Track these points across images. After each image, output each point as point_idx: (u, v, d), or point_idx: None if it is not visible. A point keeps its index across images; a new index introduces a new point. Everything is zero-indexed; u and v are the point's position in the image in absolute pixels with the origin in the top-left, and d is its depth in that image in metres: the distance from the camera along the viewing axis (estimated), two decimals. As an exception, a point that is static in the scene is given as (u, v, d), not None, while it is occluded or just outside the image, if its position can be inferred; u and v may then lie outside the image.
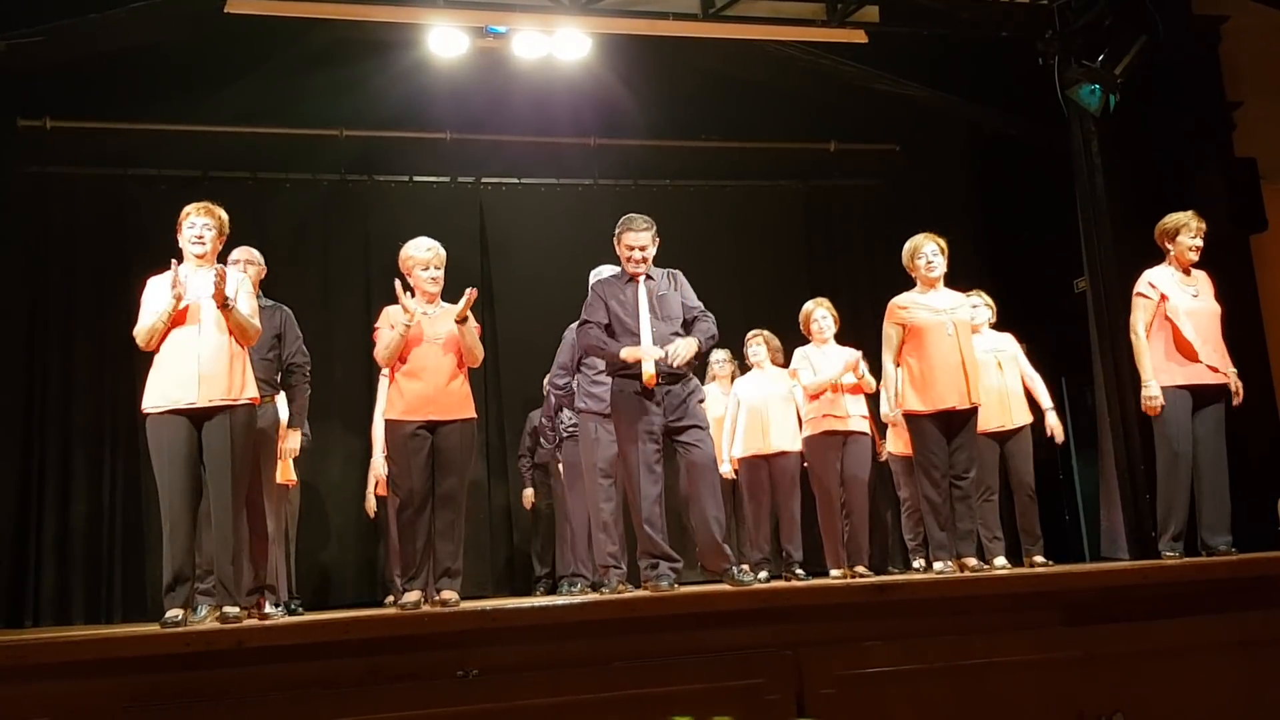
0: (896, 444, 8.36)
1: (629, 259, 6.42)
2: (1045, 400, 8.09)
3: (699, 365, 6.85)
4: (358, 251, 10.82)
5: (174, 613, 5.41)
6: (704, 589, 6.00)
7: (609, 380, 6.75)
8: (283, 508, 8.11)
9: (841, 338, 8.33)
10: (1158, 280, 6.87)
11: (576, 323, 7.23)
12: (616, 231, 6.48)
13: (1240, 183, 9.07)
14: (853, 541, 8.11)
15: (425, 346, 6.27)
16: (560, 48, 9.77)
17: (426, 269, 6.37)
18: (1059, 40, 8.86)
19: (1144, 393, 6.75)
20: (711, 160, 11.72)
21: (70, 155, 10.23)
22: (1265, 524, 7.89)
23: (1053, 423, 8.07)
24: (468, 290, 6.27)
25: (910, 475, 8.23)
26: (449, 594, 6.14)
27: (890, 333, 7.04)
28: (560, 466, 8.76)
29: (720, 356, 9.23)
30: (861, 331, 8.76)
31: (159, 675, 4.05)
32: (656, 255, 6.58)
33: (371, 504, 9.22)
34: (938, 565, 6.96)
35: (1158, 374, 6.75)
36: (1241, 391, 6.78)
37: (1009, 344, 8.12)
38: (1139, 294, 6.89)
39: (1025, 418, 7.96)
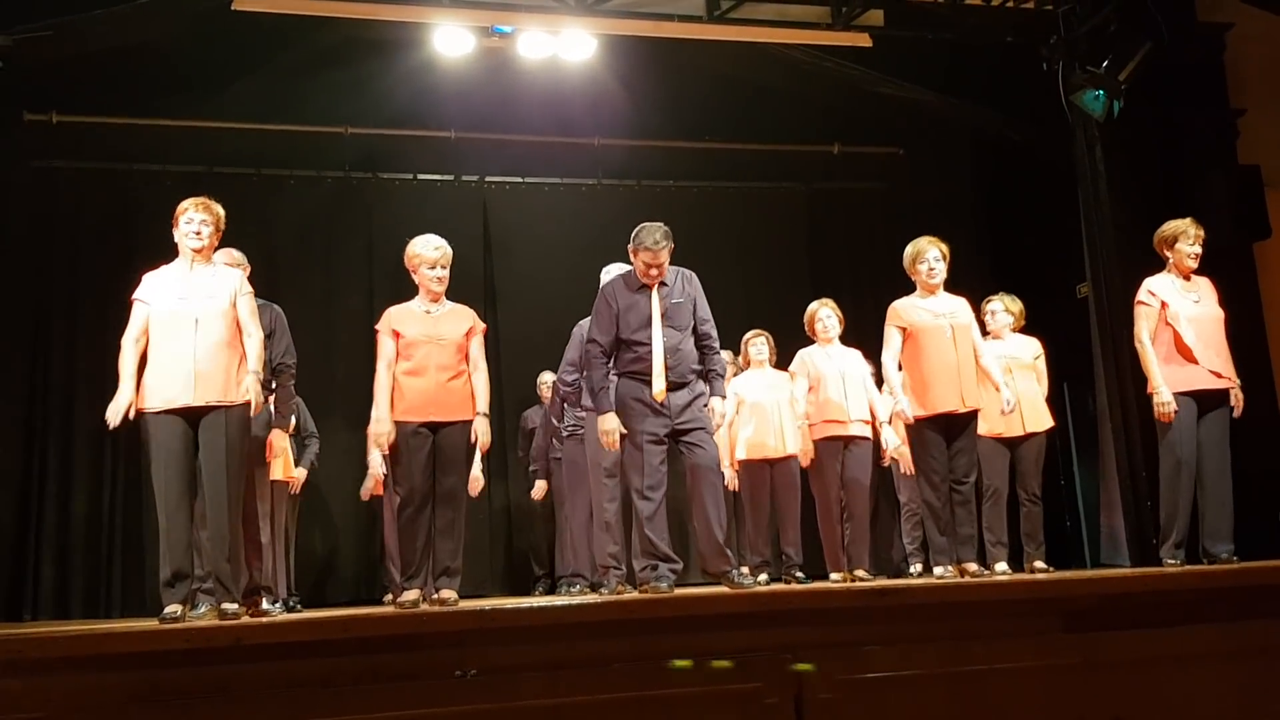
0: (897, 438, 8.32)
1: (645, 272, 6.37)
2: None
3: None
4: (361, 249, 10.83)
5: (173, 608, 5.42)
6: (703, 591, 5.99)
7: (615, 379, 6.79)
8: (282, 505, 8.12)
9: (843, 340, 8.31)
10: (1157, 288, 6.87)
11: (587, 319, 7.28)
12: (632, 243, 6.39)
13: (1243, 190, 9.09)
14: (853, 545, 8.08)
15: (428, 346, 6.25)
16: (565, 48, 9.79)
17: (434, 268, 6.34)
18: (1063, 45, 8.86)
19: (1155, 399, 6.73)
20: (715, 162, 11.72)
21: (75, 150, 10.24)
22: (1267, 532, 7.89)
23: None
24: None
25: (910, 480, 8.24)
26: (448, 593, 6.14)
27: (891, 335, 7.04)
28: (562, 465, 8.76)
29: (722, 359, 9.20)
30: (863, 334, 8.74)
31: (158, 671, 4.04)
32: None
33: (368, 487, 9.21)
34: (937, 570, 6.94)
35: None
36: (1242, 402, 6.78)
37: (1027, 350, 8.08)
38: (1139, 302, 6.90)
39: (1037, 425, 7.92)
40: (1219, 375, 6.74)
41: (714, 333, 6.53)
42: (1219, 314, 6.89)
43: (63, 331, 10.09)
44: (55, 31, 8.32)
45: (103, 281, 9.98)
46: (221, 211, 5.90)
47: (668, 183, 11.52)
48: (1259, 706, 4.75)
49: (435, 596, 6.20)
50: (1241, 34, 9.52)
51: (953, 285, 7.18)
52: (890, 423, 8.27)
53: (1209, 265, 7.01)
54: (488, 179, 11.36)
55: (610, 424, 6.29)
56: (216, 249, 6.01)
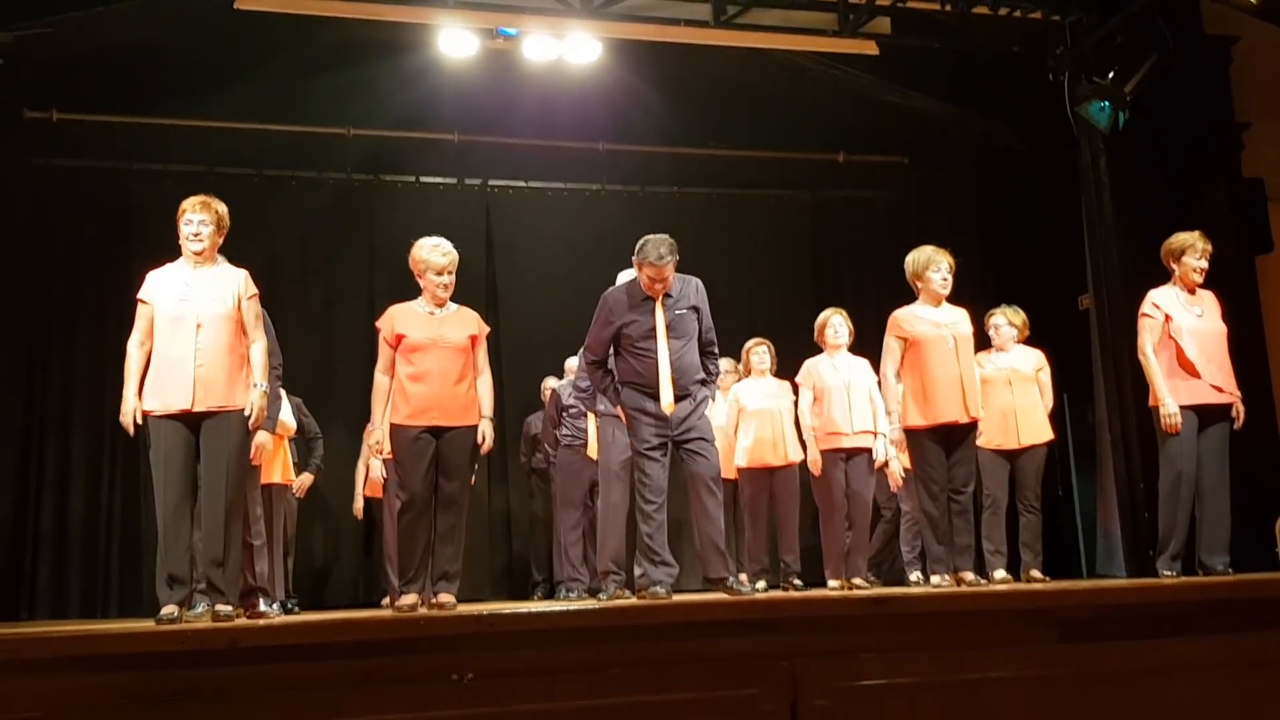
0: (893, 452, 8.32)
1: (649, 288, 6.35)
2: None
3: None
4: (362, 251, 10.83)
5: (169, 610, 5.41)
6: (701, 598, 5.99)
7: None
8: (281, 507, 8.13)
9: (850, 346, 8.31)
10: (1161, 301, 6.88)
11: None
12: (636, 256, 6.34)
13: (1247, 203, 9.08)
14: (853, 555, 8.10)
15: (432, 350, 6.23)
16: (570, 52, 9.79)
17: (440, 274, 6.31)
18: (1070, 56, 8.87)
19: (1161, 411, 6.73)
20: (720, 169, 11.73)
21: (76, 148, 10.25)
22: (1263, 545, 7.88)
23: None
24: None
25: (911, 490, 8.23)
26: (446, 597, 6.13)
27: (892, 345, 7.01)
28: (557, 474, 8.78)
29: (724, 365, 9.21)
30: (866, 342, 8.74)
31: (154, 672, 4.04)
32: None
33: (359, 505, 9.20)
34: (934, 579, 6.94)
35: None
36: (1243, 416, 6.78)
37: (1028, 362, 8.09)
38: (1143, 314, 6.90)
39: (1036, 437, 7.92)
40: (1220, 389, 6.75)
41: (715, 340, 6.54)
42: (1222, 328, 6.89)
43: (61, 330, 10.10)
44: (57, 29, 8.33)
45: (102, 280, 10.00)
46: (223, 209, 5.81)
47: (671, 189, 11.53)
48: (1254, 718, 4.75)
49: (434, 601, 6.19)
50: (1248, 47, 9.52)
51: (955, 295, 7.17)
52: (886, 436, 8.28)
53: (1210, 278, 7.01)
54: (491, 182, 11.36)
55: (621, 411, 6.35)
56: (221, 247, 5.93)
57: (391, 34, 9.81)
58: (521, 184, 11.43)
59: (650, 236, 6.35)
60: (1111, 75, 8.51)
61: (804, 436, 8.23)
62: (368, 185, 11.02)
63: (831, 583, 8.07)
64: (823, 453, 8.03)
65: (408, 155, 11.17)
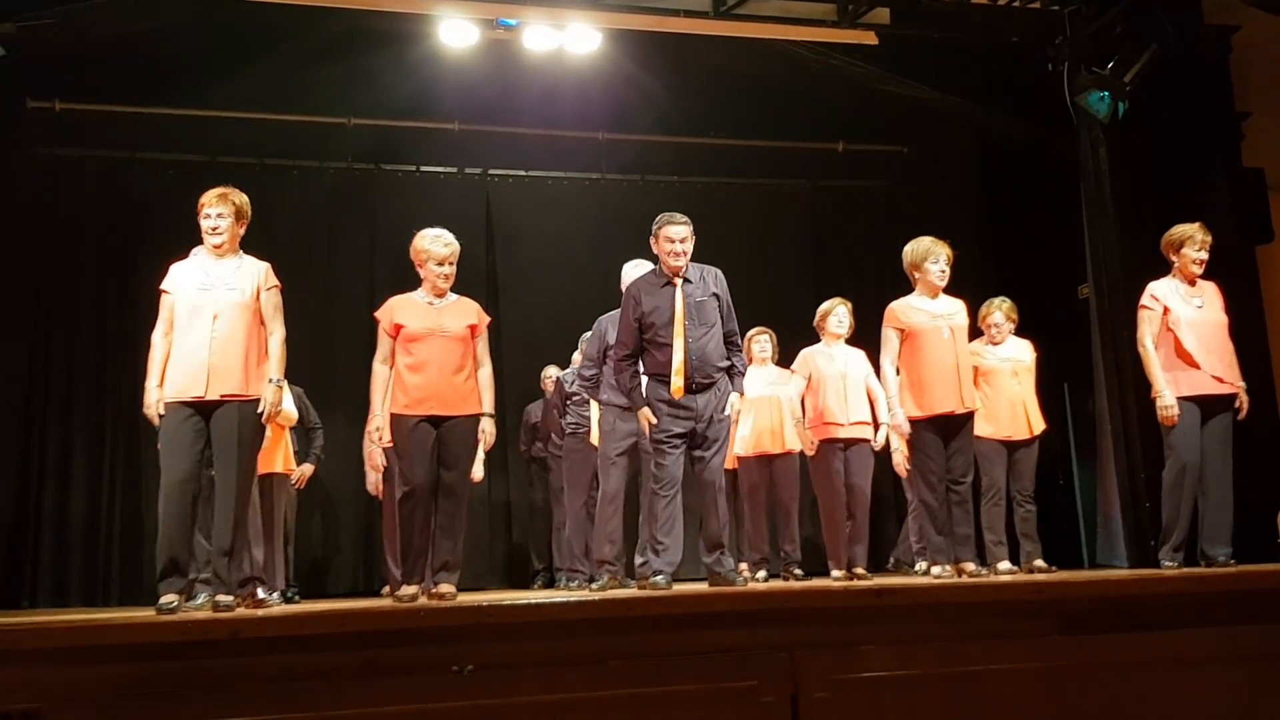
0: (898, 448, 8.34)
1: (670, 252, 6.38)
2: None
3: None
4: (363, 240, 10.82)
5: (168, 599, 5.42)
6: (701, 589, 6.00)
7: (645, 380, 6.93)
8: (282, 497, 8.13)
9: (849, 338, 8.31)
10: (1160, 292, 6.89)
11: (607, 315, 7.35)
12: (654, 229, 6.43)
13: (1247, 193, 9.06)
14: (853, 545, 8.09)
15: (432, 340, 6.23)
16: (570, 42, 9.79)
17: (442, 264, 6.32)
18: (1069, 46, 8.84)
19: (1159, 403, 6.76)
20: (719, 158, 11.72)
21: (79, 138, 10.23)
22: (1265, 537, 7.88)
23: None
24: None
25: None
26: (446, 587, 6.13)
27: (889, 336, 7.00)
28: (562, 461, 8.78)
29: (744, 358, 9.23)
30: (864, 333, 8.74)
31: (155, 662, 4.05)
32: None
33: (373, 481, 9.14)
34: (935, 570, 6.94)
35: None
36: (1246, 406, 6.78)
37: (1026, 352, 8.09)
38: (1142, 306, 6.92)
39: (1039, 427, 7.95)
40: (1221, 380, 6.75)
41: (738, 331, 6.56)
42: (1222, 319, 6.89)
43: (63, 319, 10.08)
44: (60, 19, 8.33)
45: (104, 269, 10.00)
46: (242, 200, 5.85)
47: (671, 178, 11.51)
48: (1255, 711, 4.75)
49: (434, 591, 6.19)
50: (1248, 37, 9.50)
51: (955, 284, 7.16)
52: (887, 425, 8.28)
53: (1211, 268, 7.00)
54: (491, 172, 11.35)
55: (643, 412, 6.33)
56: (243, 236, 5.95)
57: (392, 24, 9.80)
58: (522, 173, 11.41)
59: (661, 214, 6.46)
60: (1111, 65, 8.49)
61: (794, 422, 8.24)
62: (369, 174, 11.01)
63: (835, 573, 8.06)
64: (821, 443, 8.03)
65: (408, 145, 11.15)
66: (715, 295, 6.48)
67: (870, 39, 9.30)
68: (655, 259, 6.56)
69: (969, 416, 6.90)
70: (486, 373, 6.40)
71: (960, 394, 6.82)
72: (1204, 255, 6.90)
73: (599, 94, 10.61)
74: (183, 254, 5.94)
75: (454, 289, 6.45)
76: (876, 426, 8.11)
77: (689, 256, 6.44)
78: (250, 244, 6.62)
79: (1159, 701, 4.66)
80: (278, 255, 9.49)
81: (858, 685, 4.46)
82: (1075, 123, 8.92)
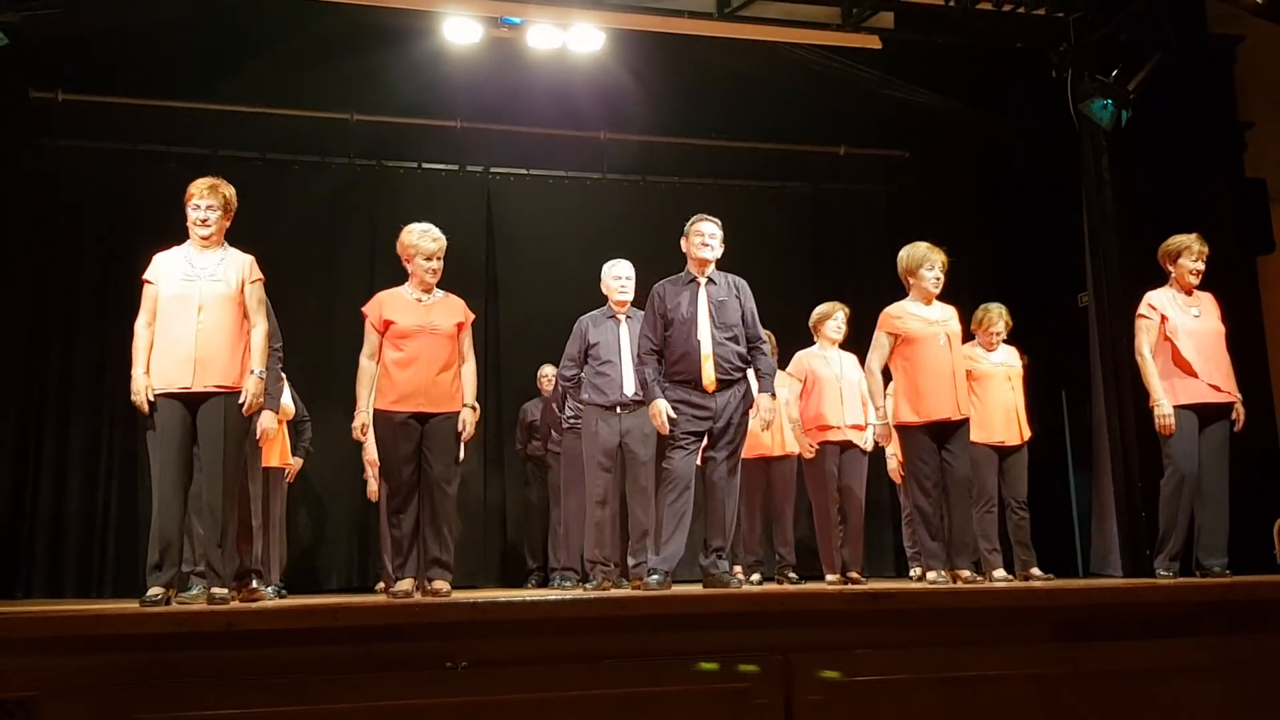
0: (893, 454, 8.35)
1: (701, 244, 6.44)
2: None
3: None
4: (364, 237, 10.82)
5: (155, 591, 5.42)
6: (696, 590, 5.99)
7: (612, 374, 7.13)
8: (277, 491, 8.12)
9: (843, 343, 8.31)
10: (1157, 301, 6.91)
11: (587, 315, 7.34)
12: (686, 228, 6.50)
13: (1249, 203, 9.06)
14: (847, 548, 8.10)
15: (422, 337, 6.25)
16: (574, 41, 9.78)
17: (430, 259, 6.33)
18: (1073, 53, 8.84)
19: (1156, 412, 6.77)
20: (720, 159, 11.72)
21: (81, 129, 10.24)
22: (1262, 547, 7.89)
23: None
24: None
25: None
26: (440, 584, 6.14)
27: (882, 341, 6.99)
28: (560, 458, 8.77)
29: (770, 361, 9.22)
30: (863, 335, 8.74)
31: (150, 654, 4.05)
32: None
33: (373, 488, 9.18)
34: (930, 575, 6.94)
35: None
36: (1243, 417, 6.79)
37: (1016, 359, 8.10)
38: (1140, 315, 6.95)
39: (1027, 433, 7.96)
40: (1219, 389, 6.76)
41: (762, 336, 6.57)
42: (1219, 329, 6.91)
43: (62, 310, 10.09)
44: (64, 10, 8.31)
45: (104, 261, 10.00)
46: (230, 192, 5.85)
47: (673, 179, 11.51)
48: (1248, 721, 4.76)
49: (429, 587, 6.20)
50: (1252, 47, 9.51)
51: (954, 290, 7.17)
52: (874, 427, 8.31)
53: (1212, 278, 7.01)
54: (493, 170, 11.36)
55: (659, 406, 6.29)
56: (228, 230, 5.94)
57: (396, 20, 9.79)
58: (523, 172, 11.42)
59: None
60: (1115, 73, 8.49)
61: (790, 425, 8.24)
62: (370, 171, 11.01)
63: (829, 577, 8.07)
64: (816, 445, 8.04)
65: (410, 142, 11.15)
66: (738, 299, 6.50)
67: (874, 43, 9.29)
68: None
69: (964, 422, 6.90)
70: (470, 368, 6.42)
71: (956, 400, 6.82)
72: (1200, 265, 6.93)
73: (601, 94, 10.60)
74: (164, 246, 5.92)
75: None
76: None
77: (718, 257, 6.49)
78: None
79: (1153, 710, 4.66)
80: (278, 250, 9.53)
81: (851, 689, 4.46)
82: (1078, 130, 8.92)
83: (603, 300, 7.65)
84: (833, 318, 8.23)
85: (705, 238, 6.44)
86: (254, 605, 5.54)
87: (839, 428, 7.99)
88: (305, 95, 10.58)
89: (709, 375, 6.25)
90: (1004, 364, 7.95)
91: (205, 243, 5.78)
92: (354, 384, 6.48)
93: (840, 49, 9.64)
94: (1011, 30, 9.04)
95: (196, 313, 5.62)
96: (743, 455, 8.39)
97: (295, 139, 10.78)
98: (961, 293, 7.32)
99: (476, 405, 6.41)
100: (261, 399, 5.80)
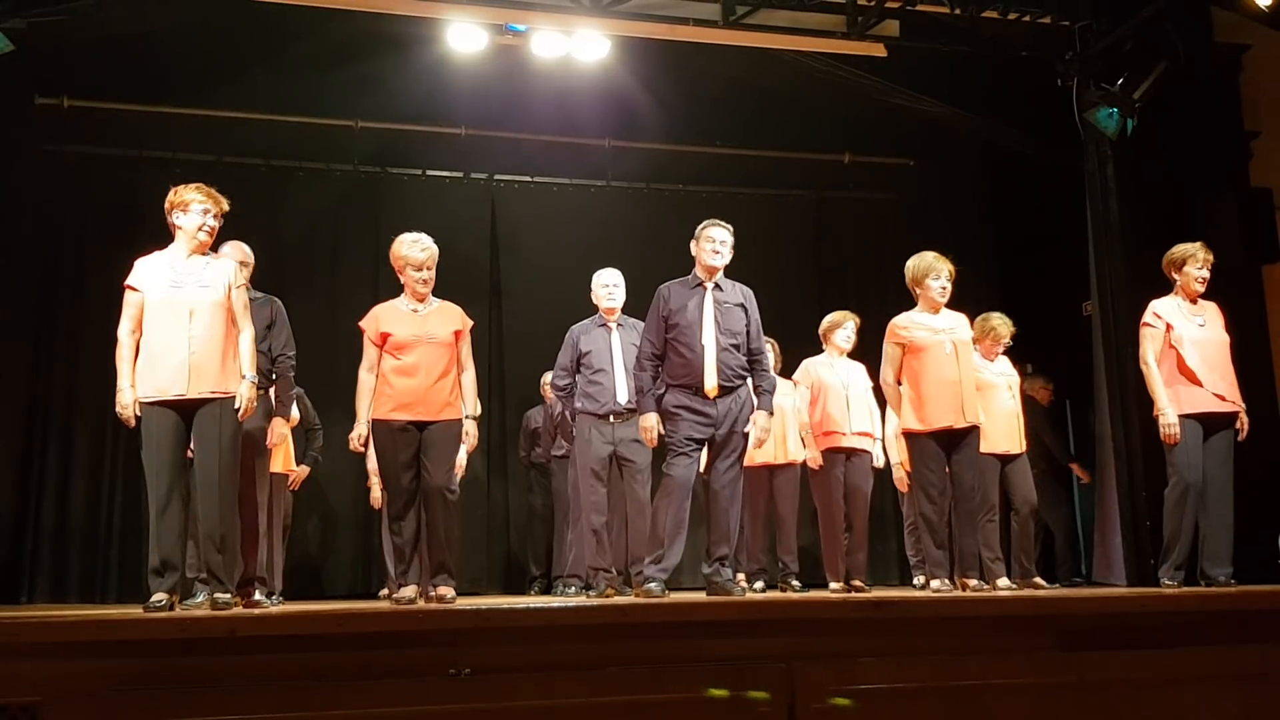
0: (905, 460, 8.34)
1: (712, 250, 6.46)
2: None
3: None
4: (367, 243, 10.80)
5: (159, 597, 5.41)
6: (700, 598, 5.99)
7: (605, 382, 7.22)
8: (280, 498, 8.12)
9: (850, 352, 8.31)
10: (1162, 310, 6.92)
11: (580, 323, 7.36)
12: (697, 232, 6.54)
13: (1254, 212, 9.05)
14: (852, 556, 8.10)
15: (419, 347, 6.28)
16: (579, 48, 9.78)
17: (420, 270, 6.36)
18: (1079, 62, 8.84)
19: (1161, 421, 6.78)
20: (725, 167, 11.73)
21: (86, 135, 10.25)
22: (1266, 557, 7.88)
23: None
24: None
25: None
26: (445, 590, 6.15)
27: (891, 352, 7.02)
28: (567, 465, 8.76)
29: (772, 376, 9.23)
30: (868, 343, 8.74)
31: (151, 659, 4.04)
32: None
33: (376, 496, 9.19)
34: (934, 584, 6.93)
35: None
36: (1247, 427, 6.78)
37: (1011, 368, 8.11)
38: (1144, 324, 6.96)
39: (1024, 443, 7.98)
40: (1223, 398, 6.75)
41: (766, 350, 6.57)
42: (1224, 338, 6.91)
43: (66, 315, 10.10)
44: (70, 16, 8.31)
45: (108, 267, 9.91)
46: (226, 205, 5.88)
47: (677, 186, 11.51)
48: (1253, 731, 4.75)
49: (433, 594, 6.20)
50: (1258, 56, 9.50)
51: (959, 298, 7.17)
52: (885, 440, 8.33)
53: (1217, 287, 7.01)
54: (497, 177, 11.36)
55: (650, 421, 6.30)
56: (227, 235, 6.03)
57: (401, 27, 9.80)
58: (527, 179, 11.42)
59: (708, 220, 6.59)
60: (1120, 81, 8.49)
61: (802, 434, 8.24)
62: (374, 178, 11.02)
63: (833, 585, 8.06)
64: (823, 451, 8.04)
65: (415, 149, 11.16)
66: (743, 307, 6.50)
67: (879, 51, 9.29)
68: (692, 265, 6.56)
69: (971, 430, 6.89)
70: (470, 377, 6.44)
71: (962, 408, 6.82)
72: (1205, 274, 6.93)
73: (606, 101, 10.61)
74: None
75: (457, 293, 6.50)
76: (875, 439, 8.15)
77: (726, 263, 6.51)
78: (254, 245, 6.68)
79: (1157, 720, 4.65)
80: (282, 256, 9.55)
81: (855, 698, 4.45)
82: (1083, 138, 8.90)
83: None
84: (843, 327, 8.24)
85: (716, 244, 6.46)
86: (257, 612, 5.54)
87: (845, 434, 7.99)
88: (310, 102, 10.59)
89: (711, 381, 6.25)
90: (1004, 373, 7.97)
91: (200, 249, 5.78)
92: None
93: (846, 57, 9.64)
94: (1017, 39, 9.03)
95: (188, 319, 5.61)
96: (747, 463, 8.46)
97: (300, 145, 10.78)
98: (965, 301, 7.30)
99: (477, 415, 6.42)
100: (255, 403, 5.80)
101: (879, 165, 12.10)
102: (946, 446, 6.86)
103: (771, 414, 6.56)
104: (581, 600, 6.96)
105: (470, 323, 6.54)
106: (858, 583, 7.97)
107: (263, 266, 6.18)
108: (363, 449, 6.69)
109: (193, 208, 5.77)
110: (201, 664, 4.07)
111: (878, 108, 10.71)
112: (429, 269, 6.36)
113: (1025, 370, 8.31)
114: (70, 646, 4.02)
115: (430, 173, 11.20)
